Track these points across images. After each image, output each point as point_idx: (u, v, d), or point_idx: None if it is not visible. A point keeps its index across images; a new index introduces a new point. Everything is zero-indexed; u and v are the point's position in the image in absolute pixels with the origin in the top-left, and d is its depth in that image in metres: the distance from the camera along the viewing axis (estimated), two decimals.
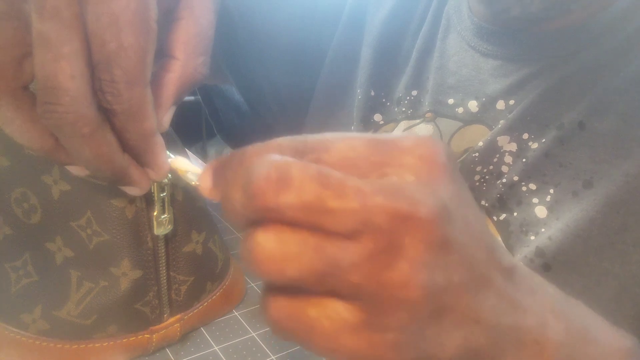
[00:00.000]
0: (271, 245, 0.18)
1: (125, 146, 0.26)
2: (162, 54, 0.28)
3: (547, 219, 0.40)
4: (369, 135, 0.20)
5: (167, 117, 0.28)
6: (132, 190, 0.28)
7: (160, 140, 0.27)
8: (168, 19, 0.28)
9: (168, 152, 0.29)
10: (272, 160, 0.18)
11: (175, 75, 0.27)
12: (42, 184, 0.34)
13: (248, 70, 0.59)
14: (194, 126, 0.71)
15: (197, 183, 0.24)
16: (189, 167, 0.28)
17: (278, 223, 0.18)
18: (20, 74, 0.24)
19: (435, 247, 0.19)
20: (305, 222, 0.18)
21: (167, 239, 0.38)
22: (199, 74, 0.28)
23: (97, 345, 0.37)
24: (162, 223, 0.36)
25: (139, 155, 0.27)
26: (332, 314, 0.19)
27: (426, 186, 0.19)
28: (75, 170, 0.28)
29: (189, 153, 0.72)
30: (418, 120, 0.50)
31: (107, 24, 0.22)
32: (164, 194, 0.35)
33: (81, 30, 0.22)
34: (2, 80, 0.24)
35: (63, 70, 0.22)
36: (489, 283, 0.21)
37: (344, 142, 0.20)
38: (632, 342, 0.26)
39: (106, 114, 0.24)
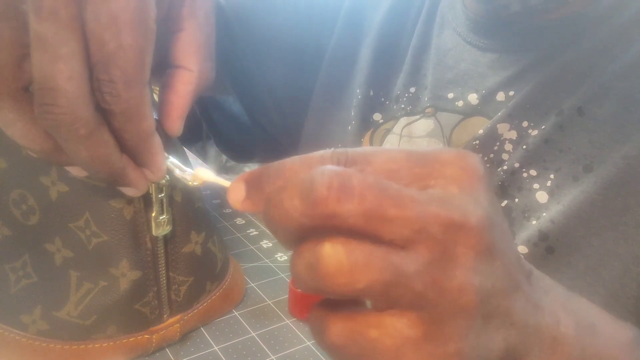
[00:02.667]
0: (341, 257, 0.18)
1: (124, 147, 0.26)
2: (169, 64, 0.29)
3: (548, 203, 0.41)
4: (408, 149, 0.21)
5: (182, 124, 0.29)
6: (130, 191, 0.28)
7: (158, 141, 0.27)
8: (169, 27, 0.28)
9: (169, 155, 0.29)
10: (332, 169, 0.18)
11: (192, 86, 0.28)
12: (40, 186, 0.34)
13: (246, 74, 0.59)
14: (194, 126, 0.70)
15: (227, 195, 0.24)
16: (212, 177, 0.28)
17: (338, 232, 0.18)
18: (20, 75, 0.24)
19: (483, 255, 0.19)
20: (365, 230, 0.18)
21: (166, 239, 0.38)
22: (210, 80, 0.29)
23: (96, 345, 0.37)
24: (160, 224, 0.36)
25: (137, 156, 0.27)
26: (393, 332, 0.19)
27: (470, 196, 0.20)
28: (75, 170, 0.28)
29: (189, 153, 0.72)
30: (418, 116, 0.50)
31: (106, 24, 0.22)
32: (162, 194, 0.36)
33: (79, 31, 0.22)
34: (2, 82, 0.24)
35: (60, 71, 0.22)
36: (519, 287, 0.22)
37: (385, 154, 0.21)
38: (633, 333, 0.27)
39: (104, 114, 0.24)
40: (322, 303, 0.21)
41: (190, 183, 0.29)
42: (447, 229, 0.18)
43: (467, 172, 0.20)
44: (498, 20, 0.45)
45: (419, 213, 0.18)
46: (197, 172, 0.28)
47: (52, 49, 0.22)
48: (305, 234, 0.19)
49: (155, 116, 0.33)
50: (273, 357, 0.40)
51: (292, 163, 0.21)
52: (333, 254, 0.18)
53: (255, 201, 0.22)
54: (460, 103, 0.47)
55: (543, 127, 0.42)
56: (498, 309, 0.20)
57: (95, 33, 0.22)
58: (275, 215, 0.19)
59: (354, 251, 0.18)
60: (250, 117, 0.64)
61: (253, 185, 0.22)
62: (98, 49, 0.23)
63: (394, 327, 0.19)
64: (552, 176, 0.41)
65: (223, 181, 0.27)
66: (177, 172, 0.29)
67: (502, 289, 0.20)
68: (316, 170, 0.18)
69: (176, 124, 0.29)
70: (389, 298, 0.19)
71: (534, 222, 0.41)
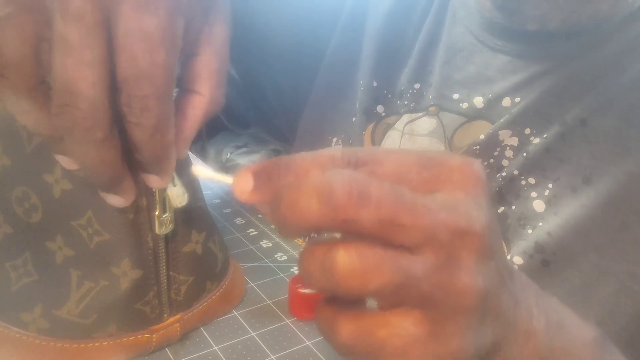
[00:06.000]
0: (354, 261, 0.19)
1: (144, 155, 0.26)
2: (180, 85, 0.29)
3: (545, 213, 0.41)
4: (416, 151, 0.22)
5: (188, 147, 0.30)
6: (115, 200, 0.29)
7: (174, 151, 0.28)
8: (184, 50, 0.28)
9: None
10: (351, 175, 0.20)
11: (201, 111, 0.29)
12: (43, 183, 0.34)
13: (249, 65, 0.60)
14: None
15: (233, 186, 0.24)
16: (211, 174, 0.29)
17: (353, 235, 0.19)
18: (38, 69, 0.24)
19: (484, 257, 0.21)
20: (378, 235, 0.19)
21: (167, 238, 0.38)
22: (219, 105, 0.30)
23: (97, 344, 0.37)
24: (163, 222, 0.36)
25: (152, 164, 0.27)
26: (401, 331, 0.20)
27: (475, 202, 0.21)
28: (64, 161, 0.28)
29: (189, 153, 0.72)
30: (421, 114, 0.50)
31: (138, 40, 0.23)
32: (165, 193, 0.35)
33: (104, 38, 0.23)
34: (21, 75, 0.24)
35: (85, 76, 0.22)
36: (505, 284, 0.23)
37: (394, 157, 0.22)
38: (597, 333, 0.28)
39: (123, 125, 0.25)
40: (327, 302, 0.22)
41: (177, 204, 0.31)
42: (453, 235, 0.20)
43: (472, 178, 0.21)
44: (516, 25, 0.45)
45: (430, 221, 0.19)
46: (194, 170, 0.29)
47: (76, 53, 0.22)
48: (316, 231, 0.20)
49: None
50: (273, 357, 0.40)
51: (302, 160, 0.22)
52: (347, 257, 0.19)
53: (263, 193, 0.22)
54: (464, 105, 0.47)
55: (545, 135, 0.42)
56: (491, 305, 0.22)
57: (126, 48, 0.23)
58: (289, 213, 0.20)
59: (366, 255, 0.19)
60: (253, 107, 0.64)
61: (261, 177, 0.22)
62: (129, 64, 0.23)
63: (401, 326, 0.20)
64: (550, 185, 0.41)
65: (223, 177, 0.27)
66: (169, 190, 0.31)
67: (496, 287, 0.22)
68: (335, 174, 0.19)
69: (182, 147, 0.29)
70: (397, 298, 0.20)
71: (530, 230, 0.41)
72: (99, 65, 0.23)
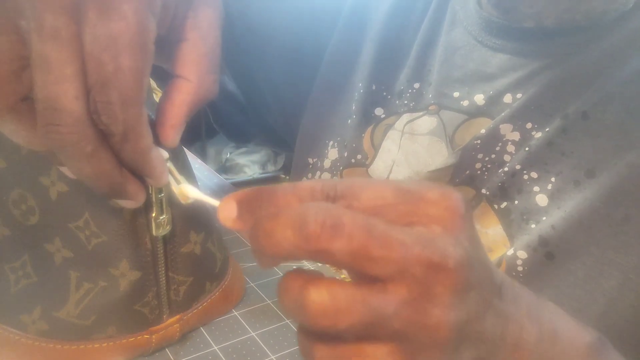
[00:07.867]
0: (325, 302, 0.20)
1: (122, 162, 0.26)
2: (170, 73, 0.29)
3: (548, 207, 0.41)
4: (394, 183, 0.22)
5: (178, 135, 0.29)
6: (128, 204, 0.28)
7: (156, 155, 0.27)
8: (172, 37, 0.28)
9: (176, 176, 0.30)
10: (325, 207, 0.20)
11: (189, 97, 0.28)
12: (40, 186, 0.34)
13: (247, 68, 0.59)
14: (194, 126, 0.71)
15: (217, 213, 0.24)
16: (199, 195, 0.29)
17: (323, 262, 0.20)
18: (19, 88, 0.24)
19: (460, 291, 0.21)
20: (351, 267, 0.20)
21: (166, 239, 0.38)
22: (211, 92, 0.29)
23: (96, 346, 0.37)
24: (160, 224, 0.36)
25: (136, 170, 0.27)
26: None
27: (452, 237, 0.21)
28: (66, 171, 0.28)
29: (189, 153, 0.72)
30: (421, 113, 0.50)
31: (104, 45, 0.22)
32: (162, 194, 0.35)
33: (80, 50, 0.22)
34: (2, 97, 0.24)
35: (66, 92, 0.22)
36: (490, 306, 0.23)
37: (372, 189, 0.22)
38: (594, 337, 0.28)
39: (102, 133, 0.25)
40: (305, 330, 0.22)
41: (182, 201, 0.30)
42: (427, 270, 0.20)
43: (450, 212, 0.21)
44: (513, 22, 0.45)
45: (403, 255, 0.20)
46: (183, 189, 0.29)
47: (55, 69, 0.22)
48: (290, 260, 0.20)
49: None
50: (273, 357, 0.40)
51: (284, 191, 0.22)
52: (318, 297, 0.20)
53: (245, 221, 0.23)
54: (465, 103, 0.47)
55: (547, 129, 0.42)
56: (471, 332, 0.22)
57: (93, 54, 0.22)
58: (265, 242, 0.21)
59: (337, 295, 0.20)
60: (250, 108, 0.64)
61: (244, 206, 0.23)
62: (96, 70, 0.22)
63: (374, 356, 0.21)
64: (553, 179, 0.41)
65: (210, 199, 0.28)
66: (174, 187, 0.30)
67: (476, 315, 0.22)
68: (310, 206, 0.20)
69: (170, 134, 0.28)
70: (370, 333, 0.20)
71: (533, 225, 0.41)
72: (78, 79, 0.22)
